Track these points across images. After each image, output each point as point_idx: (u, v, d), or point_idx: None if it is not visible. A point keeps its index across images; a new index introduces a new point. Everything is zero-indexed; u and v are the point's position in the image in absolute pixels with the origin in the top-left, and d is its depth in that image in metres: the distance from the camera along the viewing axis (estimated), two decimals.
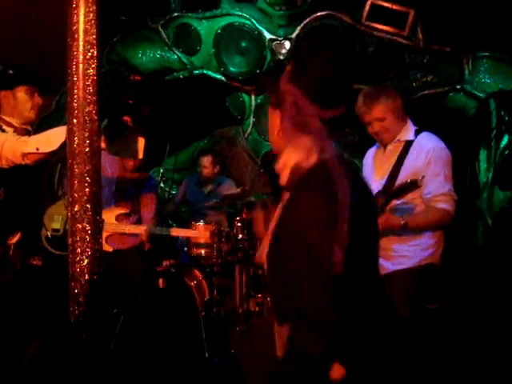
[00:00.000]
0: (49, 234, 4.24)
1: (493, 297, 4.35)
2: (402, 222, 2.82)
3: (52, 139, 2.87)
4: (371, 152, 3.26)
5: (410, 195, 2.88)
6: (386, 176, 3.00)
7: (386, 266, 2.91)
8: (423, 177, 2.79)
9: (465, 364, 3.70)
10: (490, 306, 4.31)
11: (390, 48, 5.29)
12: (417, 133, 3.03)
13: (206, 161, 5.51)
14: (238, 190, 5.03)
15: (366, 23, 5.24)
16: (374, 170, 3.15)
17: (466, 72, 5.21)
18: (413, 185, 2.77)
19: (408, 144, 2.98)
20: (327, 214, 1.67)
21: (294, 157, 1.81)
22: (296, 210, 1.73)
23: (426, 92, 5.33)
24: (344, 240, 1.64)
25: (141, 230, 4.31)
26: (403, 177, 2.92)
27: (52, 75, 6.00)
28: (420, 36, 5.24)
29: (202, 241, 4.62)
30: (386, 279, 2.91)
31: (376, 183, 3.05)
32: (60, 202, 4.39)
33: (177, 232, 4.74)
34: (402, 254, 2.93)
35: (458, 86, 5.26)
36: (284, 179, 1.82)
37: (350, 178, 1.74)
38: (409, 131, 3.03)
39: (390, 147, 3.06)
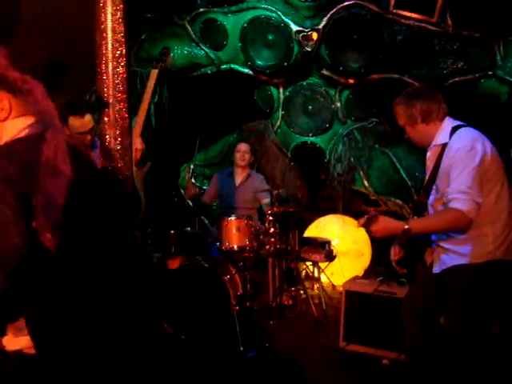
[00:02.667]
0: None
1: None
2: (405, 227, 2.66)
3: None
4: None
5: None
6: (426, 183, 2.93)
7: (445, 260, 2.80)
8: None
9: None
10: None
11: (419, 35, 5.21)
12: (454, 131, 2.85)
13: (245, 146, 5.49)
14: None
15: (394, 11, 5.17)
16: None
17: (498, 57, 5.11)
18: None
19: (444, 147, 2.83)
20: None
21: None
22: None
23: (457, 79, 5.25)
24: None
25: None
26: (438, 182, 2.83)
27: (83, 74, 6.11)
28: (449, 22, 5.16)
29: None
30: (444, 275, 2.81)
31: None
32: None
33: None
34: (460, 252, 2.75)
35: (490, 72, 5.17)
36: None
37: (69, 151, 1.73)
38: (443, 134, 2.87)
39: (428, 154, 2.96)
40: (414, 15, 5.17)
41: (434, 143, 2.91)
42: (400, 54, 5.28)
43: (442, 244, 2.82)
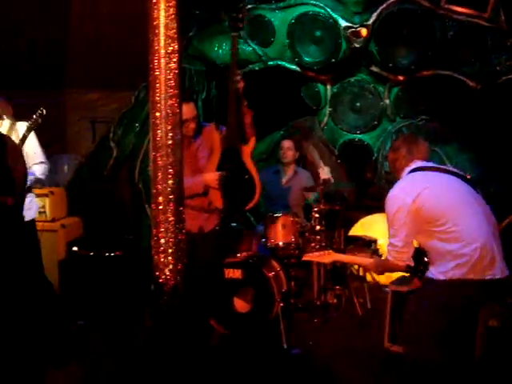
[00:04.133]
0: None
1: None
2: (371, 267, 3.38)
3: None
4: None
5: None
6: None
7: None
8: None
9: None
10: None
11: (471, 31, 5.10)
12: None
13: (288, 143, 5.52)
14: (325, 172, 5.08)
15: (446, 6, 5.07)
16: None
17: None
18: None
19: None
20: None
21: None
22: None
23: (510, 76, 5.11)
24: None
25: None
26: None
27: (131, 71, 6.22)
28: (502, 18, 5.03)
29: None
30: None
31: None
32: None
33: None
34: (430, 270, 3.09)
35: None
36: None
37: None
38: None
39: None
40: (466, 10, 5.07)
41: None
42: (451, 50, 5.17)
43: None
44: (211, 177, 4.08)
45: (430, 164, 3.28)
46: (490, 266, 2.92)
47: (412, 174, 3.19)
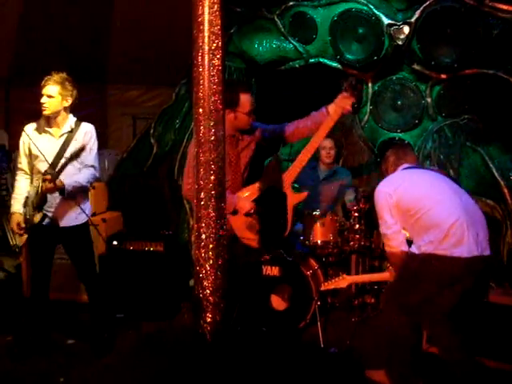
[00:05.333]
0: None
1: None
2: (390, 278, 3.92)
3: None
4: None
5: None
6: None
7: None
8: None
9: None
10: None
11: None
12: None
13: (329, 142, 5.49)
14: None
15: (490, 4, 4.96)
16: None
17: None
18: None
19: None
20: None
21: None
22: None
23: None
24: None
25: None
26: None
27: (171, 68, 6.27)
28: None
29: None
30: None
31: None
32: None
33: None
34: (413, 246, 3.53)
35: None
36: None
37: None
38: None
39: None
40: (511, 8, 4.95)
41: None
42: (496, 48, 5.06)
43: None
44: (245, 204, 3.82)
45: (414, 165, 3.78)
46: (457, 245, 3.29)
47: (392, 174, 3.73)
